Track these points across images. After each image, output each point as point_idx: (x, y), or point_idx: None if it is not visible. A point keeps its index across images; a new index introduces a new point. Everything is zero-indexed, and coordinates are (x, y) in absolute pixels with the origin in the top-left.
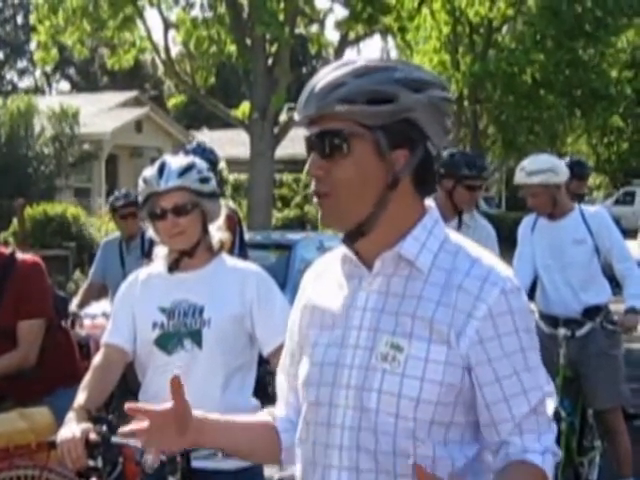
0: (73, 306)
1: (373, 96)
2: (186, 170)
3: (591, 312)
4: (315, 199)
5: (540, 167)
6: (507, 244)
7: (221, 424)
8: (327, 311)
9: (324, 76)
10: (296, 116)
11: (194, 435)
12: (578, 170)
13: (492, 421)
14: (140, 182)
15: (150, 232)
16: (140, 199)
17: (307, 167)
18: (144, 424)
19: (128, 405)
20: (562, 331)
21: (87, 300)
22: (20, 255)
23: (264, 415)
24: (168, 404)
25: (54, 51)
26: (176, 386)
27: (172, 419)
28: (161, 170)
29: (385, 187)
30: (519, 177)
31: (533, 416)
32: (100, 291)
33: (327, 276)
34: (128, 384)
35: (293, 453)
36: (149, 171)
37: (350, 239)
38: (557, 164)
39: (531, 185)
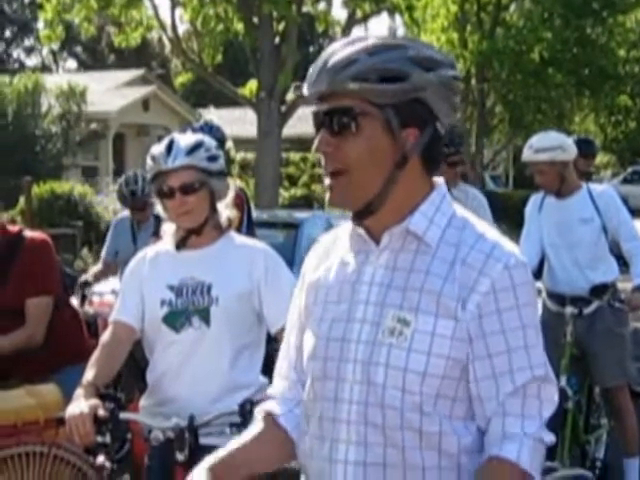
0: (89, 276)
1: (385, 74)
2: (194, 148)
3: (598, 290)
4: (327, 180)
5: (548, 144)
6: (514, 222)
7: (225, 469)
8: (333, 286)
9: (335, 52)
10: (305, 91)
11: None
12: (585, 148)
13: (479, 397)
14: (148, 159)
15: (158, 209)
16: (148, 176)
17: (316, 144)
18: None
19: None
20: (569, 309)
21: (99, 279)
22: (28, 233)
23: (258, 424)
24: None
25: (60, 29)
26: None
27: None
28: (169, 148)
29: (394, 165)
30: (527, 154)
31: (519, 399)
32: (113, 270)
33: (333, 252)
34: (136, 362)
35: None
36: (157, 148)
37: (360, 218)
38: (565, 142)
39: (538, 162)
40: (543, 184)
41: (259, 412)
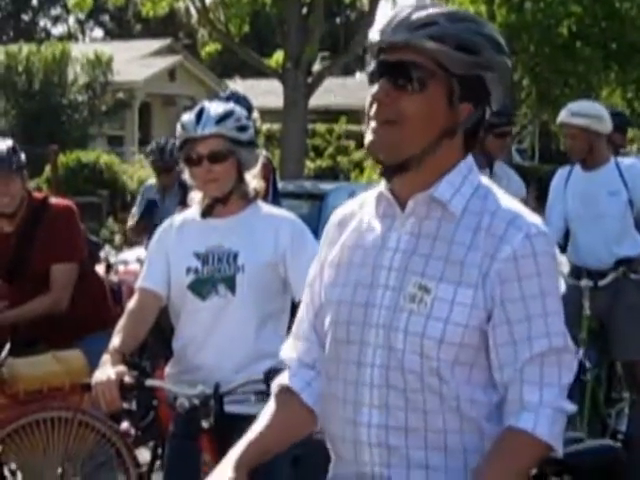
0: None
1: (461, 43)
2: (224, 117)
3: (622, 264)
4: (373, 124)
5: (585, 111)
6: (540, 195)
7: (256, 452)
8: (358, 249)
9: (414, 10)
10: (375, 37)
11: None
12: (619, 121)
13: (498, 363)
14: (178, 126)
15: (186, 176)
16: (177, 143)
17: (375, 91)
18: None
19: None
20: (584, 282)
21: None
22: (53, 199)
23: (280, 399)
24: None
25: None
26: None
27: None
28: (199, 116)
29: (443, 133)
30: (563, 116)
31: (537, 367)
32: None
33: (360, 215)
34: (162, 329)
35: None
36: (187, 116)
37: (392, 173)
38: (603, 114)
39: (570, 125)
40: (571, 149)
41: (277, 387)
